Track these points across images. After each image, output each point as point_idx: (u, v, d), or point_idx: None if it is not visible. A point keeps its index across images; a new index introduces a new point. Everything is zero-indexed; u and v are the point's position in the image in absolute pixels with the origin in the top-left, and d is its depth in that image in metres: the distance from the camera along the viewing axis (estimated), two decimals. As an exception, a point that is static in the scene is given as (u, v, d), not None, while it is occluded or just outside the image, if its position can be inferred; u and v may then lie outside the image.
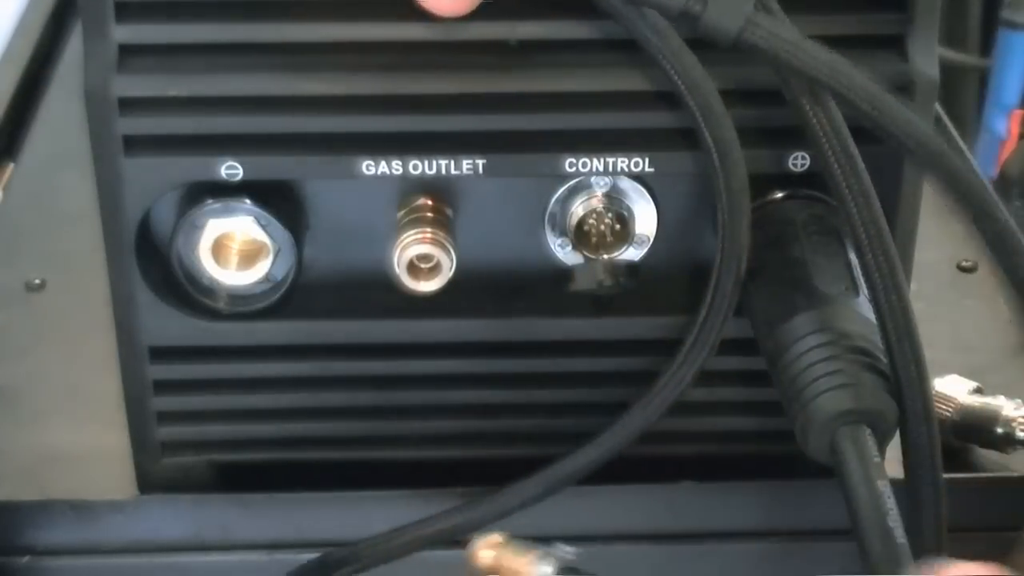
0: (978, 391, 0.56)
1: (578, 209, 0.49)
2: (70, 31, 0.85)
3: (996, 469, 0.56)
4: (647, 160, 0.48)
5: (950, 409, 0.55)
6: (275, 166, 0.48)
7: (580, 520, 0.54)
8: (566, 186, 0.50)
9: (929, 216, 0.53)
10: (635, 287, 0.50)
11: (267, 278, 0.50)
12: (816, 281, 0.47)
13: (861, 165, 0.45)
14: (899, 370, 0.45)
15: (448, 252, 0.49)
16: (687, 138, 0.47)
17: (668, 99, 0.47)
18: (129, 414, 0.53)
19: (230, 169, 0.48)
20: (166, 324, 0.51)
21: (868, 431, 0.44)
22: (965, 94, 1.55)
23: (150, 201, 0.49)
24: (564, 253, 0.51)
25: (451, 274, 0.49)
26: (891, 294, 0.45)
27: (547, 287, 0.51)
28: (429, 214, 0.49)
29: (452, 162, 0.48)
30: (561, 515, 0.52)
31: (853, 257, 0.48)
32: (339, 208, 0.51)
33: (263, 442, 0.54)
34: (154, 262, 0.50)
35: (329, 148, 0.48)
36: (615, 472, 0.50)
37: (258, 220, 0.49)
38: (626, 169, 0.48)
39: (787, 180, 0.49)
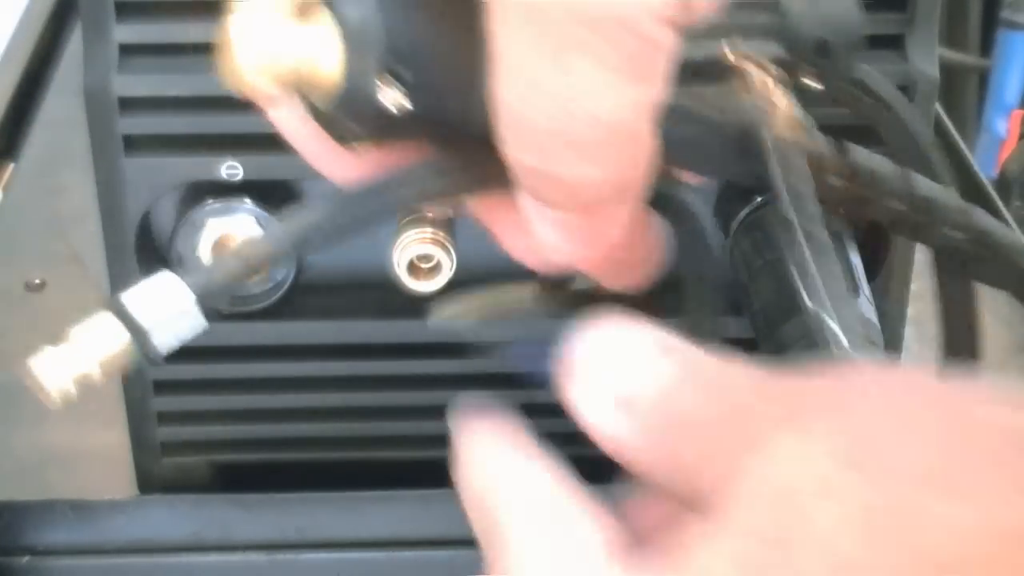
0: None
1: (578, 209, 0.49)
2: (70, 31, 0.85)
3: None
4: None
5: None
6: (275, 166, 0.48)
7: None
8: (566, 186, 0.49)
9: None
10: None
11: (267, 278, 0.50)
12: (817, 281, 0.47)
13: None
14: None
15: (448, 252, 0.49)
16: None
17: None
18: (129, 414, 0.53)
19: (230, 169, 0.48)
20: (166, 324, 0.51)
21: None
22: (965, 94, 1.54)
23: (150, 201, 0.49)
24: (564, 253, 0.51)
25: (451, 274, 0.49)
26: None
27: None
28: (429, 214, 0.49)
29: (452, 162, 0.48)
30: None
31: (853, 257, 0.48)
32: (339, 208, 0.51)
33: (263, 442, 0.54)
34: (154, 262, 0.50)
35: (329, 148, 0.48)
36: (611, 472, 0.50)
37: (258, 220, 0.49)
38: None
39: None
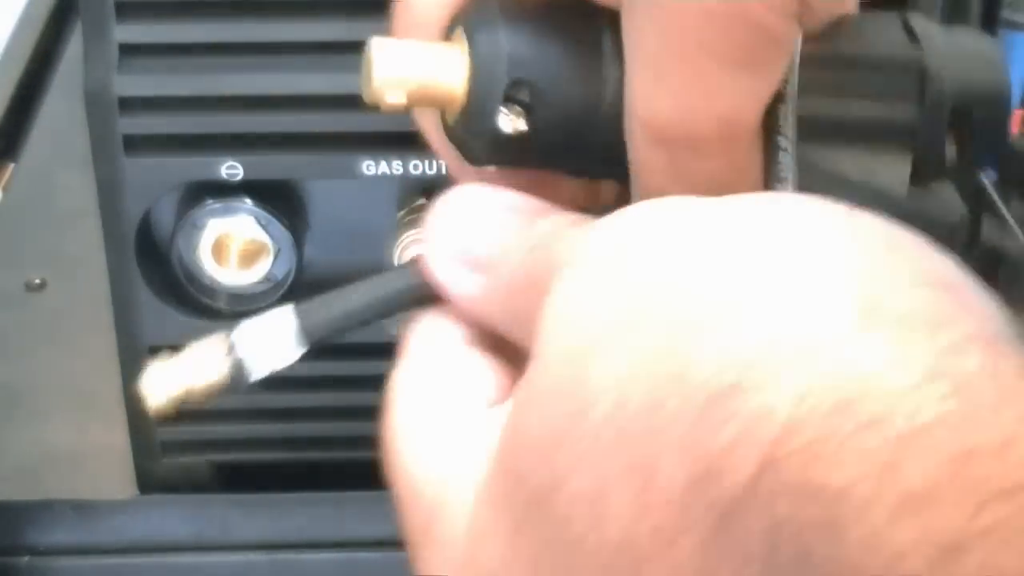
0: None
1: (578, 209, 0.49)
2: (70, 31, 0.85)
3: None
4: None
5: None
6: (275, 166, 0.48)
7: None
8: (566, 186, 0.50)
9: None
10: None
11: (267, 278, 0.50)
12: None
13: None
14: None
15: (448, 252, 0.49)
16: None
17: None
18: (129, 414, 0.53)
19: (230, 169, 0.48)
20: (166, 324, 0.51)
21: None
22: (965, 94, 1.54)
23: (150, 201, 0.49)
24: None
25: (451, 274, 0.49)
26: None
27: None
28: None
29: (452, 162, 0.48)
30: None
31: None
32: (339, 208, 0.51)
33: (263, 442, 0.54)
34: (154, 262, 0.50)
35: (329, 148, 0.48)
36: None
37: (258, 220, 0.49)
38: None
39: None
